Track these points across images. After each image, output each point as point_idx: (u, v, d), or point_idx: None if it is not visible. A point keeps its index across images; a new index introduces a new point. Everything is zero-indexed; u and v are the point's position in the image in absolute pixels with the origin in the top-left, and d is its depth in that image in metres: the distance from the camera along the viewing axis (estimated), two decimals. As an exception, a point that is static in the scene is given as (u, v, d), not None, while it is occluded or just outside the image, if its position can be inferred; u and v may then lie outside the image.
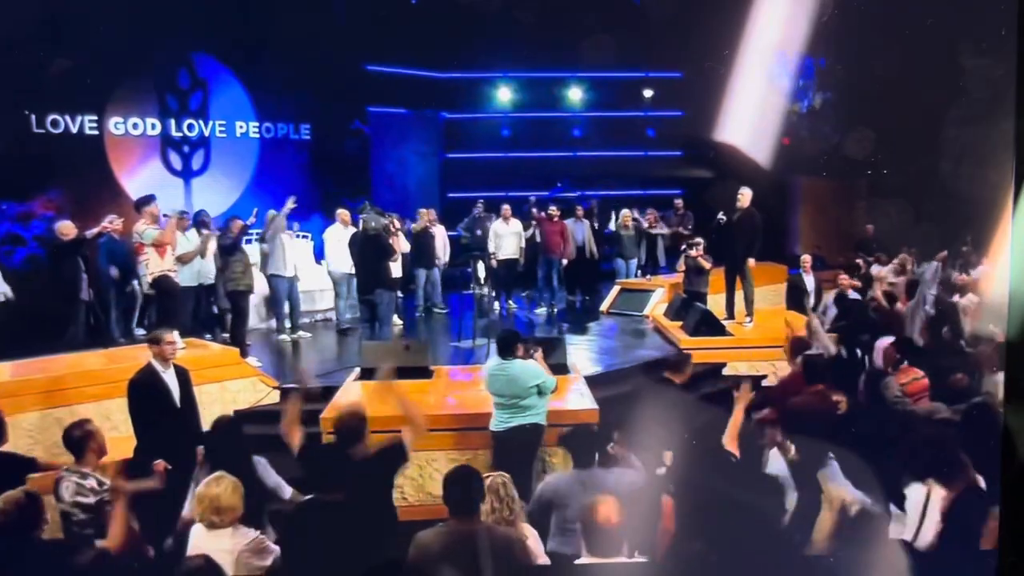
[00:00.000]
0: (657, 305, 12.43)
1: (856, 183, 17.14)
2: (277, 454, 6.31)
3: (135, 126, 13.83)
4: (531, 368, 6.57)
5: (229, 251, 10.18)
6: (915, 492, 4.50)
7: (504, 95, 18.79)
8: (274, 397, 8.59)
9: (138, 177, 13.57)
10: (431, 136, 18.64)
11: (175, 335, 6.71)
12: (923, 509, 4.42)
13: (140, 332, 10.76)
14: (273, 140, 15.52)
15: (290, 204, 10.64)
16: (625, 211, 13.95)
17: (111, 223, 9.74)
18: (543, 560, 4.27)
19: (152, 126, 14.04)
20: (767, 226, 11.05)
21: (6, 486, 4.32)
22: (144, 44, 12.90)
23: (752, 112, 16.35)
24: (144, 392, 6.23)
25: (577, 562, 3.56)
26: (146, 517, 4.98)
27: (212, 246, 10.27)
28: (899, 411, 5.84)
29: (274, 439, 7.10)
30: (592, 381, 8.34)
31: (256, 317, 11.53)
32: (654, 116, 19.21)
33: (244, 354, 9.30)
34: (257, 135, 15.29)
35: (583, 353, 10.11)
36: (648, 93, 19.03)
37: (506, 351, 6.57)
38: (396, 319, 12.06)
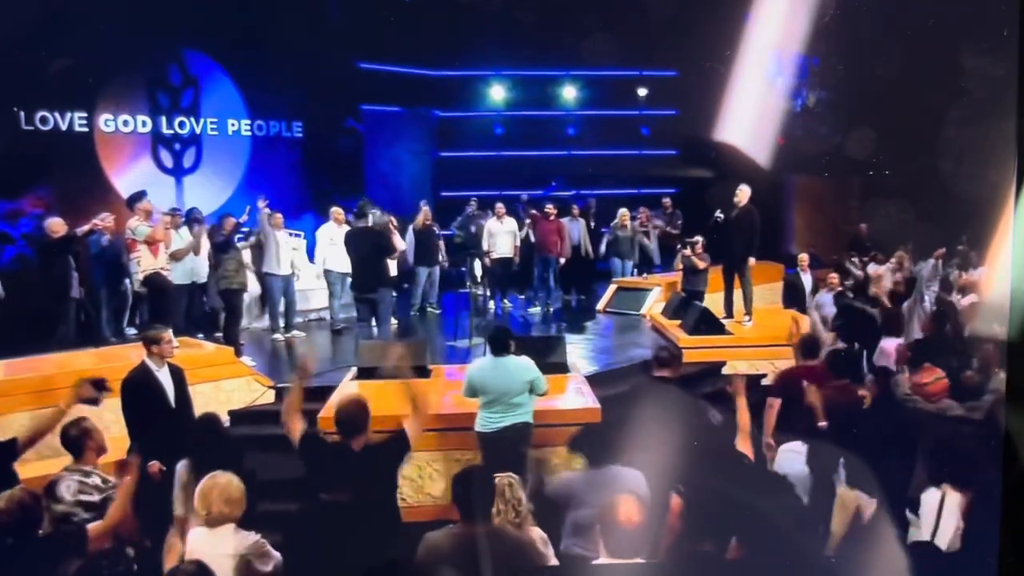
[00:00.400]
0: (654, 304, 12.33)
1: (850, 182, 17.15)
2: (274, 455, 6.28)
3: (126, 123, 13.69)
4: (525, 363, 6.47)
5: (222, 249, 10.07)
6: (929, 496, 4.40)
7: (498, 93, 18.71)
8: (269, 397, 8.46)
9: (129, 175, 13.43)
10: (424, 134, 18.54)
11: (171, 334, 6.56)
12: (938, 513, 4.33)
13: (131, 331, 10.63)
14: (265, 138, 15.40)
15: (260, 204, 10.52)
16: (623, 210, 13.86)
17: (103, 220, 9.58)
18: (553, 562, 4.16)
19: (143, 123, 13.93)
20: (763, 225, 10.97)
21: None
22: (135, 40, 12.77)
23: (747, 111, 16.31)
24: (138, 392, 6.08)
25: (595, 563, 3.44)
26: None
27: (206, 243, 10.12)
28: (909, 408, 5.75)
29: (270, 439, 7.08)
30: (590, 380, 8.22)
31: (247, 316, 11.40)
32: (649, 115, 19.13)
33: (238, 353, 9.16)
34: (249, 133, 15.17)
35: (581, 352, 10.00)
36: (643, 92, 18.98)
37: (500, 347, 6.45)
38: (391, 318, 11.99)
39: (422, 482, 7.01)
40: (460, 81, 18.56)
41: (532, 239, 13.24)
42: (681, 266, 12.03)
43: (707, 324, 10.20)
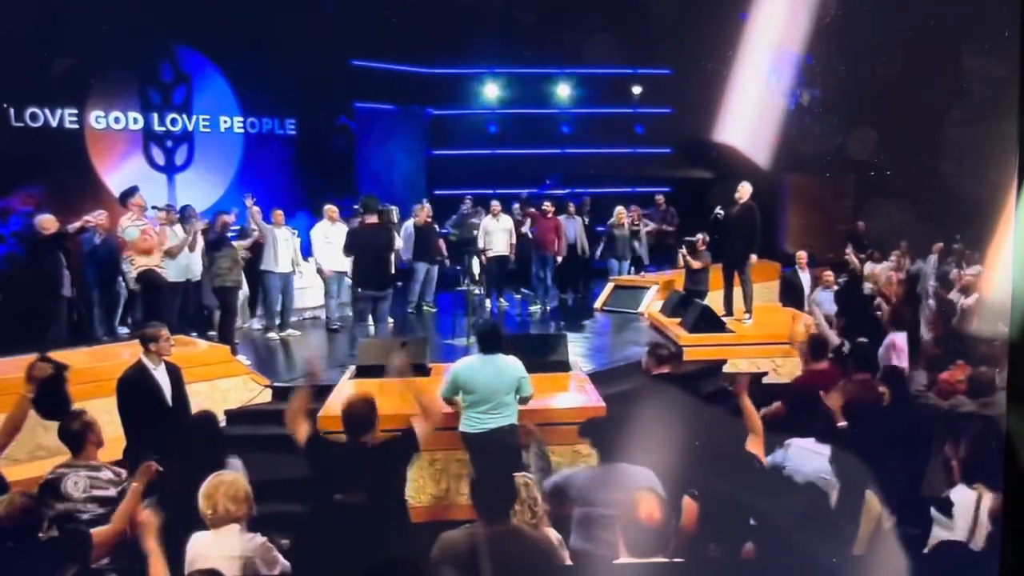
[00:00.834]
0: (652, 302, 12.23)
1: (844, 180, 17.11)
2: (273, 454, 6.16)
3: (117, 120, 13.55)
4: (514, 362, 6.35)
5: (216, 246, 9.92)
6: (964, 496, 4.29)
7: (491, 91, 18.61)
8: (265, 396, 8.32)
9: (120, 172, 13.28)
10: (417, 132, 18.44)
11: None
12: (975, 514, 4.22)
13: (123, 330, 10.49)
14: (258, 135, 15.29)
15: (247, 202, 10.36)
16: (619, 208, 13.78)
17: (95, 217, 9.43)
18: (568, 563, 4.05)
19: (134, 120, 13.79)
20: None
21: None
22: (126, 36, 12.60)
23: (741, 110, 16.25)
24: (135, 390, 5.94)
25: (616, 562, 3.33)
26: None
27: (200, 240, 9.99)
28: (921, 405, 5.66)
29: (266, 439, 6.96)
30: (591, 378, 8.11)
31: (240, 316, 11.26)
32: (643, 113, 19.05)
33: (233, 352, 9.02)
34: (241, 130, 15.07)
35: (579, 351, 9.89)
36: (637, 90, 18.90)
37: (491, 344, 6.33)
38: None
39: (423, 482, 6.90)
40: (454, 79, 18.47)
41: (530, 237, 13.13)
42: (683, 264, 11.95)
43: (707, 322, 10.10)
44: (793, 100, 17.25)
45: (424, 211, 12.52)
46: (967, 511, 4.20)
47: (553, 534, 4.11)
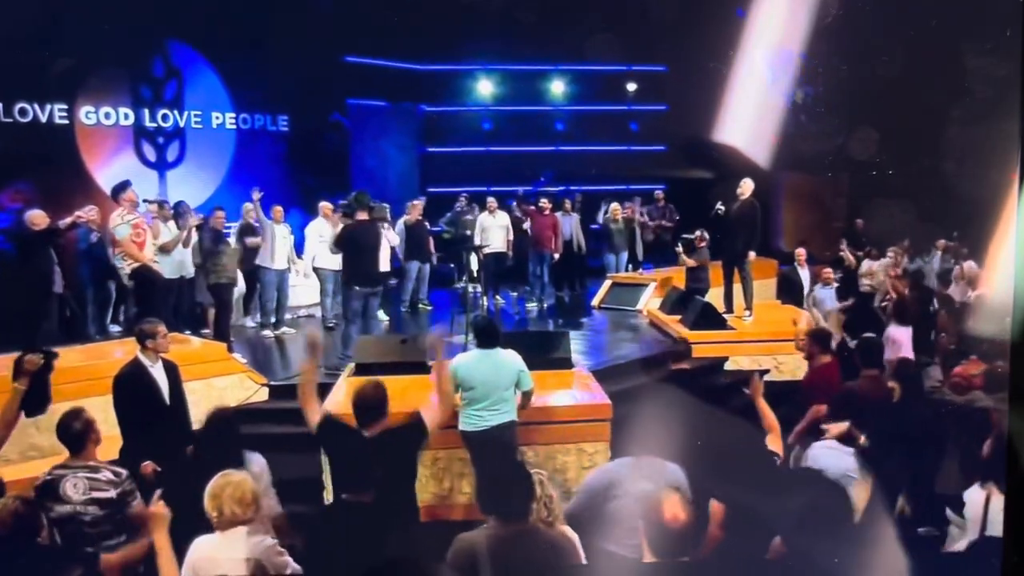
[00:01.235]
0: (651, 299, 12.12)
1: (839, 179, 17.07)
2: (272, 454, 6.00)
3: (107, 116, 13.35)
4: (513, 356, 6.26)
5: (212, 243, 9.77)
6: (975, 495, 4.20)
7: (485, 88, 18.49)
8: (262, 395, 8.18)
9: (111, 168, 13.05)
10: (410, 129, 18.31)
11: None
12: (984, 514, 4.13)
13: (115, 328, 10.32)
14: (250, 132, 15.11)
15: (256, 196, 10.18)
16: (615, 204, 13.68)
17: (86, 213, 9.26)
18: (584, 561, 3.92)
19: (125, 116, 13.58)
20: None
21: None
22: (117, 30, 12.38)
23: (737, 107, 16.15)
24: (131, 388, 5.79)
25: (644, 562, 3.20)
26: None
27: (195, 236, 9.85)
28: (935, 399, 5.58)
29: (266, 439, 6.81)
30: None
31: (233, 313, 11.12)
32: (637, 110, 18.95)
33: (229, 350, 8.88)
34: (234, 126, 14.90)
35: (578, 348, 9.76)
36: (632, 87, 18.79)
37: (489, 339, 6.23)
38: (382, 315, 11.73)
39: (425, 481, 6.75)
40: (448, 75, 18.36)
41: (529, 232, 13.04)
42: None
43: (708, 319, 9.99)
44: (789, 98, 17.19)
45: (416, 209, 12.39)
46: (977, 511, 4.11)
47: (570, 532, 3.98)
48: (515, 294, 13.34)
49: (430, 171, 18.27)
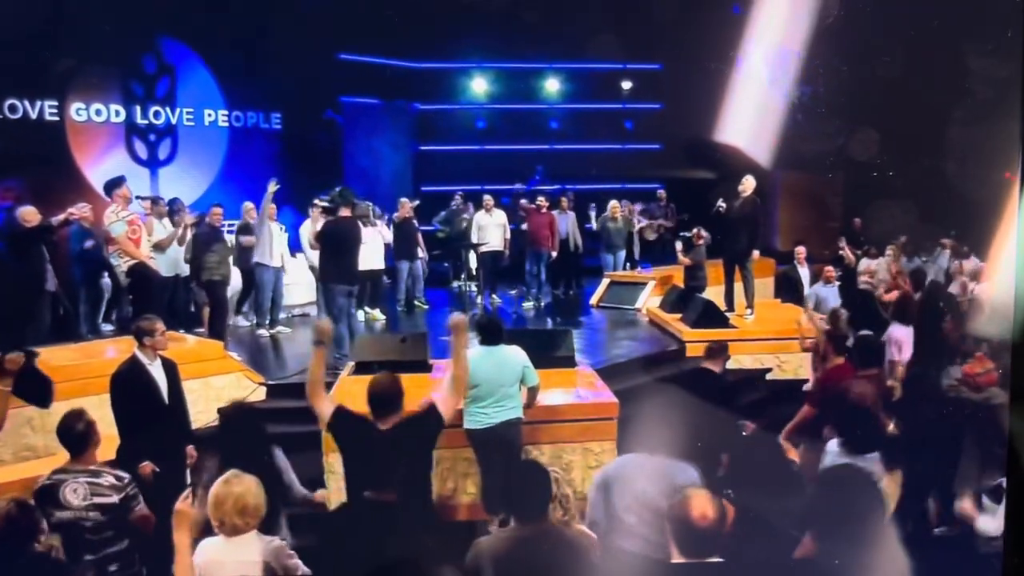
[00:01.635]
0: (650, 298, 12.02)
1: (835, 178, 17.01)
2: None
3: (98, 112, 13.15)
4: (517, 352, 6.17)
5: (207, 240, 9.62)
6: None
7: (479, 86, 18.39)
8: (260, 394, 8.04)
9: (102, 166, 12.85)
10: (404, 127, 18.19)
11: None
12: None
13: (107, 328, 10.16)
14: (243, 129, 14.95)
15: (272, 188, 9.98)
16: (613, 202, 13.58)
17: (79, 210, 9.09)
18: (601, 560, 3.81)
19: (116, 113, 13.39)
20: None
21: None
22: (108, 26, 12.21)
23: (734, 106, 16.10)
24: (129, 387, 5.64)
25: (672, 562, 3.09)
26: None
27: (189, 234, 9.72)
28: (953, 398, 5.49)
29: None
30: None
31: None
32: (633, 108, 18.86)
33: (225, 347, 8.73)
34: (226, 124, 14.74)
35: (576, 347, 9.66)
36: (627, 85, 18.70)
37: (492, 335, 6.12)
38: (379, 313, 11.62)
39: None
40: (442, 73, 18.25)
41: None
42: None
43: (709, 317, 9.89)
44: (788, 98, 17.14)
45: (404, 207, 12.27)
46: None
47: (586, 531, 3.87)
48: (514, 292, 13.26)
49: (424, 169, 18.17)
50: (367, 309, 11.50)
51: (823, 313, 10.04)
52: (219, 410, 5.32)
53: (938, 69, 11.54)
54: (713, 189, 10.99)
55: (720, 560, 3.03)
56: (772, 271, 13.24)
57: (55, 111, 12.64)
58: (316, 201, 10.28)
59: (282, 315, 11.01)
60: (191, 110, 14.25)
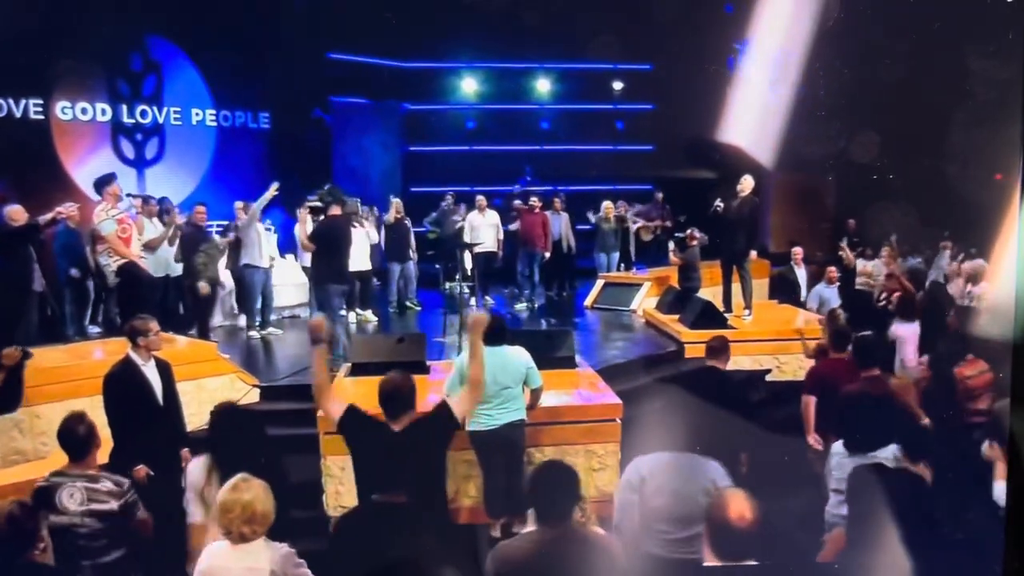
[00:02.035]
0: (646, 299, 11.90)
1: (828, 179, 16.99)
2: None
3: (84, 111, 12.98)
4: (521, 352, 6.05)
5: (191, 240, 9.46)
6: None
7: (469, 86, 18.27)
8: (254, 397, 7.87)
9: (88, 166, 12.68)
10: (393, 128, 18.03)
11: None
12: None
13: (94, 330, 9.96)
14: (231, 129, 14.76)
15: (273, 190, 9.80)
16: (607, 203, 13.47)
17: (66, 209, 8.88)
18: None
19: (102, 111, 13.21)
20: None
21: None
22: (94, 23, 12.04)
23: (727, 106, 16.02)
24: (123, 388, 5.47)
25: (705, 564, 2.97)
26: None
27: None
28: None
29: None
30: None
31: (220, 314, 10.81)
32: (624, 109, 18.77)
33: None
34: (214, 123, 14.56)
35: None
36: (618, 85, 18.62)
37: (495, 335, 5.98)
38: (371, 315, 11.46)
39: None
40: (432, 73, 18.13)
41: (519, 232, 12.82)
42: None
43: (708, 318, 9.78)
44: (782, 98, 17.08)
45: (394, 207, 12.12)
46: None
47: (602, 533, 3.74)
48: (506, 292, 13.14)
49: (413, 170, 18.03)
50: (359, 311, 11.35)
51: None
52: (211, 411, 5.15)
53: (939, 71, 11.50)
54: (705, 190, 10.91)
55: (755, 564, 2.91)
56: (767, 272, 13.16)
57: (40, 110, 12.47)
58: (306, 201, 10.11)
59: (273, 316, 10.84)
60: (178, 109, 14.08)
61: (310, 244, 8.86)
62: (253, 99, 14.89)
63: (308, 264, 10.50)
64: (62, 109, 12.73)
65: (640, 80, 18.41)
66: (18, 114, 12.26)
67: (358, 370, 7.46)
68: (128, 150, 13.54)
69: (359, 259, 10.84)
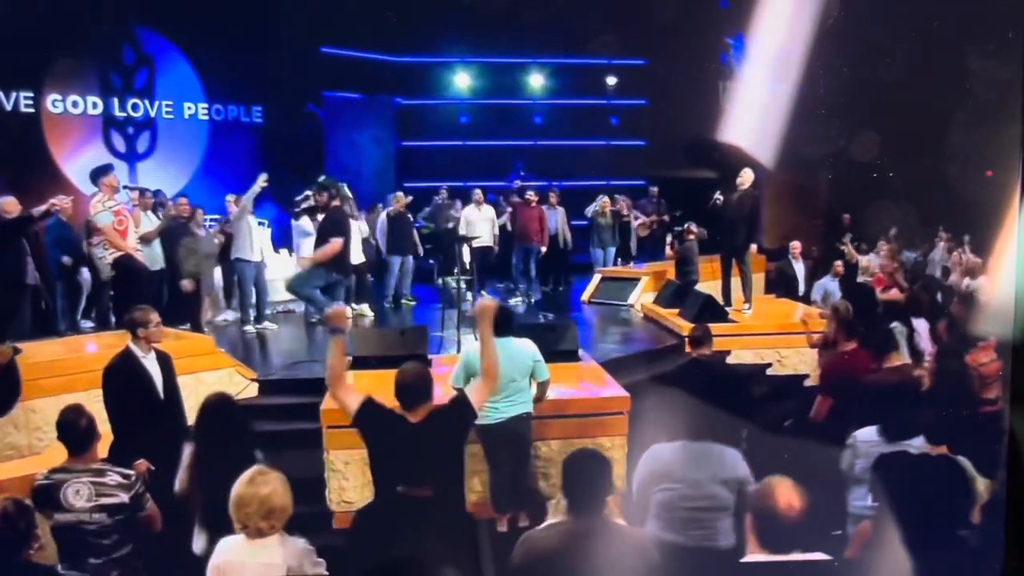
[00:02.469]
0: (644, 294, 11.83)
1: (822, 177, 16.96)
2: (266, 452, 5.63)
3: (75, 104, 12.84)
4: (528, 344, 5.98)
5: (175, 235, 9.36)
6: None
7: (463, 81, 18.16)
8: (252, 391, 7.76)
9: (79, 159, 12.58)
10: (385, 122, 17.92)
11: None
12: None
13: (87, 324, 9.81)
14: (223, 123, 14.64)
15: (261, 182, 9.69)
16: (603, 197, 13.40)
17: (60, 202, 8.74)
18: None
19: (93, 105, 13.09)
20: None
21: None
22: (85, 15, 11.90)
23: (720, 102, 16.00)
24: (123, 381, 5.37)
25: (745, 559, 2.88)
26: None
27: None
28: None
29: (263, 436, 6.41)
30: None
31: (212, 309, 10.70)
32: (617, 104, 18.71)
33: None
34: (206, 117, 14.45)
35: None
36: (611, 81, 18.55)
37: (502, 327, 5.88)
38: (367, 309, 11.35)
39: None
40: (424, 68, 18.01)
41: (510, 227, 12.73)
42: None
43: (709, 311, 9.71)
44: (779, 96, 17.03)
45: (399, 201, 12.01)
46: None
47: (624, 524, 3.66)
48: (500, 287, 13.07)
49: (406, 165, 17.93)
50: (354, 305, 11.23)
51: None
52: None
53: (939, 70, 11.48)
54: (700, 185, 10.86)
55: (802, 557, 2.81)
56: (763, 267, 13.11)
57: (31, 102, 12.35)
58: (308, 194, 10.00)
59: (267, 311, 10.72)
60: (170, 103, 13.98)
61: (331, 237, 8.73)
62: (245, 93, 14.78)
63: (306, 255, 10.43)
64: (53, 102, 12.61)
65: (634, 75, 18.33)
66: (8, 107, 12.14)
67: (359, 363, 7.36)
68: (119, 144, 13.42)
69: (354, 252, 10.75)
